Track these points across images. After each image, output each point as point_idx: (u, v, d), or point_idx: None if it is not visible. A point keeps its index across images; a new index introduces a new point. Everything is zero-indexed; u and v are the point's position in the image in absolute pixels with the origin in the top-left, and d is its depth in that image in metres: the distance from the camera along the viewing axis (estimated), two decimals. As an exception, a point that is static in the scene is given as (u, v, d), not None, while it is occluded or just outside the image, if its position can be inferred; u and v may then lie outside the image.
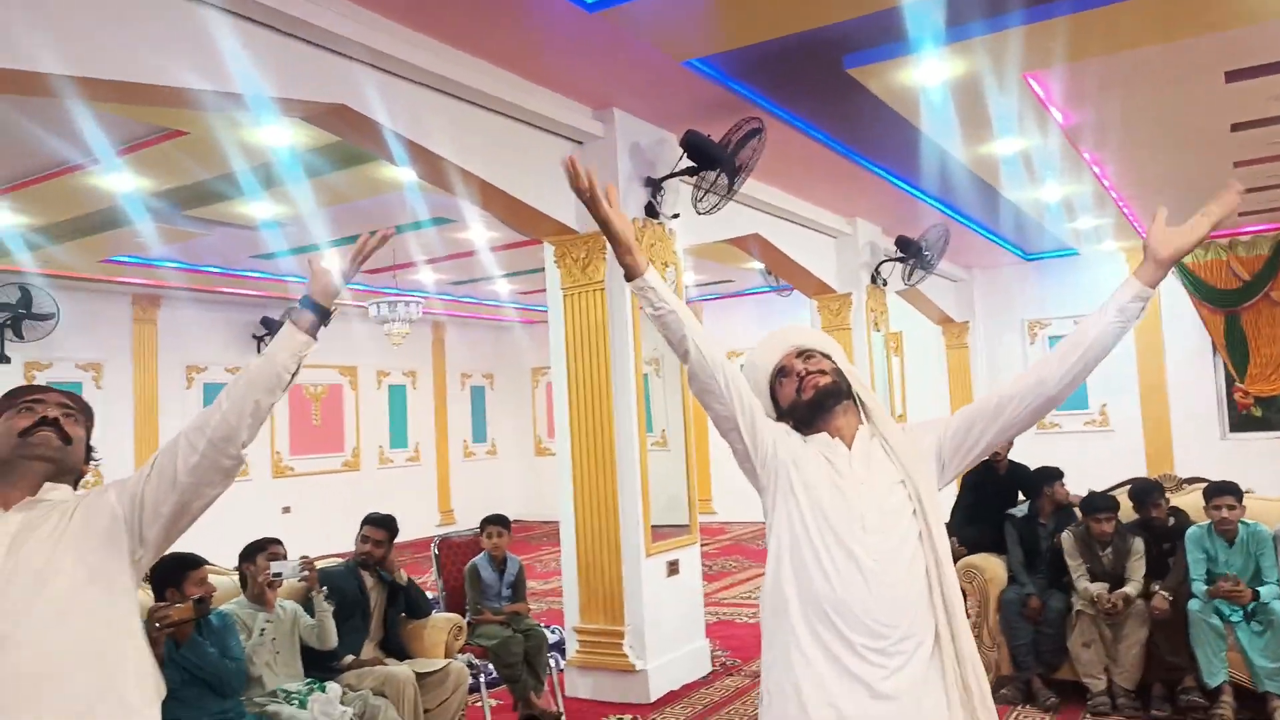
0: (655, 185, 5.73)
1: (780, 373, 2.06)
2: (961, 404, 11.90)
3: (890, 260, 9.02)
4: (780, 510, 1.96)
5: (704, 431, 14.04)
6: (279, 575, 3.75)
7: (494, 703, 5.02)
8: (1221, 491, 4.64)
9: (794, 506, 1.94)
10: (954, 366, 12.15)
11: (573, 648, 5.49)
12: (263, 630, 3.74)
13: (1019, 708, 4.87)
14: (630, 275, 2.03)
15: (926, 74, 5.30)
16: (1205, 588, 4.57)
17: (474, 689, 4.65)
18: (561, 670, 5.51)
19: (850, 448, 1.98)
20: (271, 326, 11.40)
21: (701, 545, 11.17)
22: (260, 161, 6.21)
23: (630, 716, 5.01)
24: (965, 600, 5.20)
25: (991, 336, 12.08)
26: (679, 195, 5.96)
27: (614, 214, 2.05)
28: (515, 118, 5.14)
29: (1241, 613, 4.50)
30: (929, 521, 1.91)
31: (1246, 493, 4.92)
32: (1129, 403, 11.36)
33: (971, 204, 8.76)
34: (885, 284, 9.22)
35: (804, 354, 2.05)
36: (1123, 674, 4.69)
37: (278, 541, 3.89)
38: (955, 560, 5.33)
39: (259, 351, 11.55)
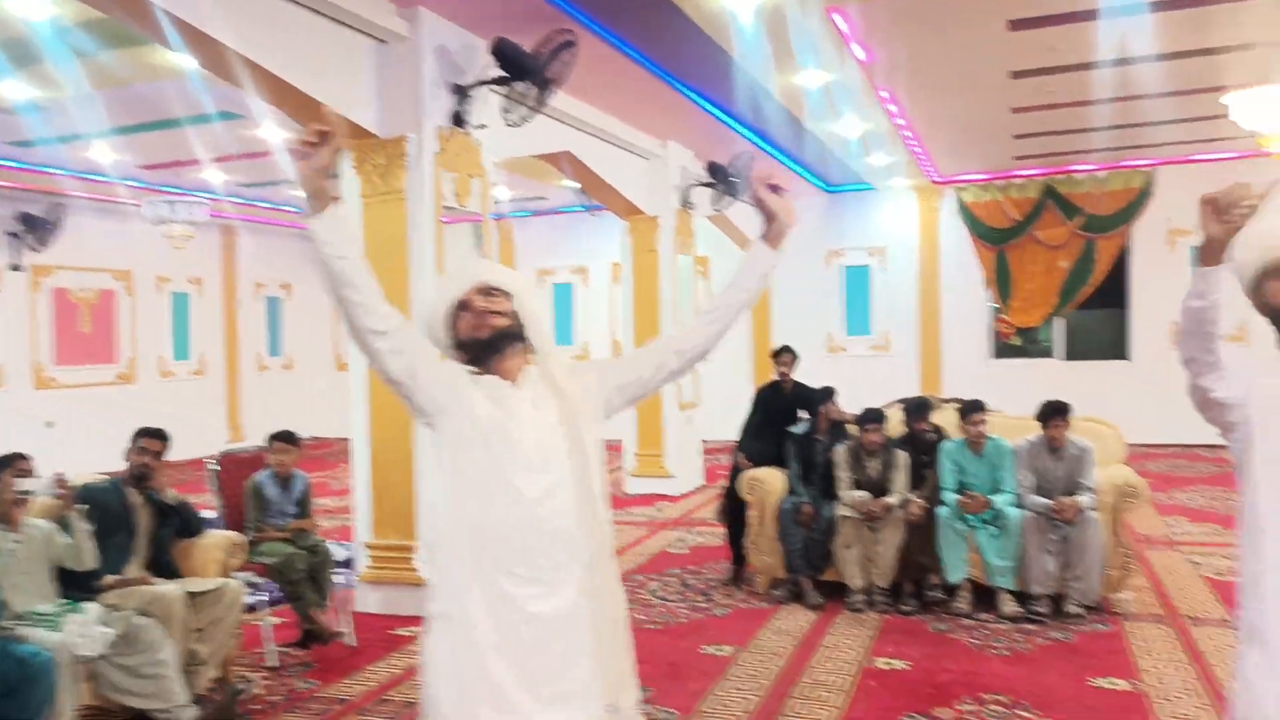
0: (462, 93, 5.52)
1: (461, 306, 2.07)
2: (764, 327, 12.47)
3: (700, 185, 9.18)
4: (448, 447, 2.01)
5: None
6: (27, 493, 3.45)
7: (276, 621, 4.89)
8: (974, 409, 5.11)
9: (460, 443, 1.99)
10: (756, 292, 12.60)
11: (364, 563, 5.41)
12: (13, 550, 3.45)
13: (789, 605, 5.26)
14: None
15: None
16: (956, 496, 5.07)
17: (254, 608, 4.51)
18: (351, 587, 5.43)
19: (517, 387, 2.03)
20: (33, 224, 10.21)
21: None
22: (12, 35, 5.48)
23: (420, 628, 5.01)
24: (747, 509, 5.54)
25: (791, 263, 12.58)
26: (488, 105, 5.77)
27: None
28: (310, 8, 4.77)
29: (983, 518, 5.03)
30: (588, 458, 2.01)
31: (996, 412, 5.46)
32: (908, 330, 12.26)
33: (779, 134, 9.01)
34: (694, 208, 9.40)
35: (488, 291, 2.06)
36: (879, 574, 5.15)
37: (24, 457, 3.57)
38: (739, 474, 5.68)
39: (17, 254, 10.47)
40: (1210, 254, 1.94)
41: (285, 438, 4.92)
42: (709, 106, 7.90)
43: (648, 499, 8.77)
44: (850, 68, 6.73)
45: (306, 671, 4.49)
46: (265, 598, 4.55)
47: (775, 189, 2.16)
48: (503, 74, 5.30)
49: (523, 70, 5.23)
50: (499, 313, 2.03)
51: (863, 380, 10.99)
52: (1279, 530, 1.88)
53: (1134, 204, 11.08)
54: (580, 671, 1.94)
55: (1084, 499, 4.85)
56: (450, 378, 2.03)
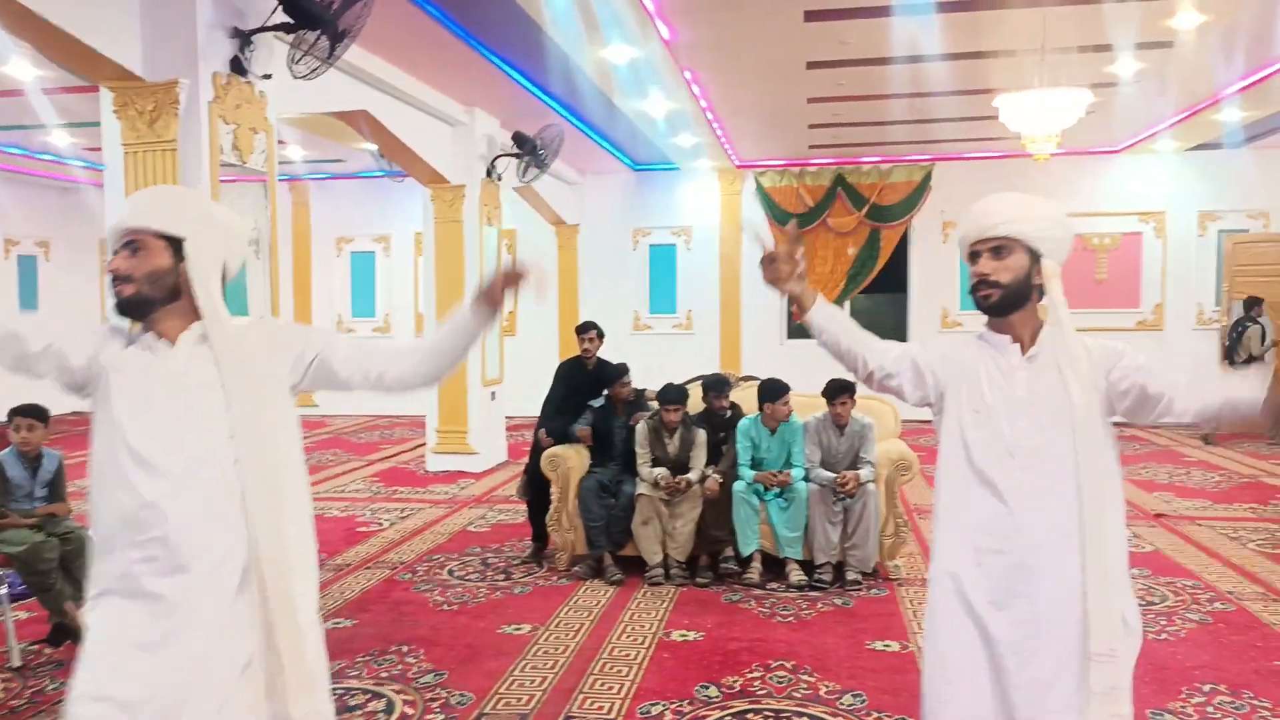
0: (244, 38, 5.08)
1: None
2: (571, 304, 12.42)
3: (506, 155, 8.99)
4: (95, 423, 1.87)
5: (306, 319, 13.32)
6: None
7: (21, 615, 4.38)
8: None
9: (104, 418, 1.85)
10: (564, 267, 12.58)
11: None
12: None
13: (590, 582, 5.27)
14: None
15: (542, -37, 5.23)
16: (751, 471, 5.23)
17: (-7, 603, 4.01)
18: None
19: (174, 348, 1.88)
20: None
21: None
22: None
23: (195, 620, 4.64)
24: (549, 487, 5.49)
25: (599, 240, 12.65)
26: (273, 54, 5.35)
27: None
28: (60, -72, 4.22)
29: (775, 492, 5.23)
30: (246, 435, 1.82)
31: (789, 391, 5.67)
32: (710, 309, 12.61)
33: (587, 108, 8.96)
34: (500, 179, 9.20)
35: (131, 242, 1.89)
36: (676, 548, 5.25)
37: None
38: (540, 451, 5.62)
39: None
40: (795, 304, 2.20)
41: (30, 412, 4.39)
42: (516, 75, 7.72)
43: (450, 476, 8.56)
44: (655, 45, 6.76)
45: (57, 670, 4.04)
46: (4, 591, 4.06)
47: (513, 279, 2.07)
48: (289, 20, 4.92)
49: (312, 18, 4.87)
50: (126, 278, 1.84)
51: (667, 358, 11.22)
52: (958, 476, 2.08)
53: (914, 195, 11.88)
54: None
55: (864, 472, 5.13)
56: (94, 350, 1.86)
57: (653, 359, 11.75)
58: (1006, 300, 2.04)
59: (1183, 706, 3.57)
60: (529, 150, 8.79)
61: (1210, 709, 3.56)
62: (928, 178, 11.83)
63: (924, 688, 2.11)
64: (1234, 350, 10.14)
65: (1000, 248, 2.03)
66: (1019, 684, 1.98)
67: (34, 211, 12.66)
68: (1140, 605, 4.67)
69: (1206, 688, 3.74)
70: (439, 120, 8.43)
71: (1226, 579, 5.21)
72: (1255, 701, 3.62)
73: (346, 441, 10.85)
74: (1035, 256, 2.04)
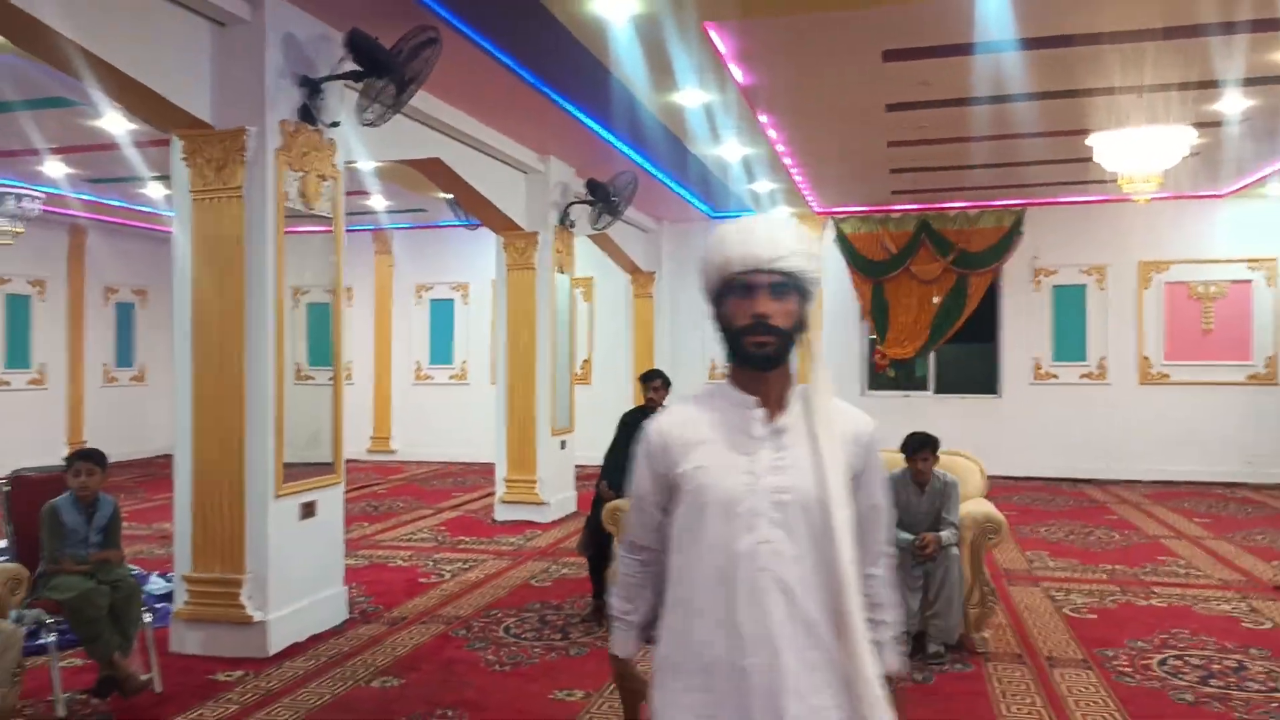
0: (313, 86, 5.11)
1: None
2: (646, 351, 12.27)
3: (579, 202, 8.93)
4: None
5: (385, 367, 13.48)
6: None
7: (70, 664, 4.33)
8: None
9: None
10: (640, 316, 12.45)
11: (182, 599, 4.87)
12: None
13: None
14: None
15: (611, 6, 5.14)
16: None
17: (42, 649, 3.96)
18: (165, 625, 4.89)
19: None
20: None
21: (373, 485, 10.77)
22: None
23: (243, 672, 4.54)
24: (611, 541, 5.24)
25: (676, 289, 12.49)
26: (343, 102, 5.38)
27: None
28: (136, -18, 4.31)
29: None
30: None
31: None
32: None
33: (661, 155, 8.86)
34: (574, 226, 9.14)
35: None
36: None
37: None
38: (602, 504, 5.39)
39: None
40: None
41: (88, 456, 4.37)
42: (589, 121, 7.67)
43: (517, 527, 8.40)
44: (730, 89, 6.61)
45: (100, 723, 3.96)
46: (53, 639, 4.01)
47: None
48: (357, 68, 4.92)
49: (379, 66, 4.86)
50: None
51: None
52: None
53: (1004, 242, 11.39)
54: None
55: (946, 534, 4.75)
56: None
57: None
58: (782, 352, 1.65)
59: (1320, 819, 3.10)
60: (602, 197, 8.71)
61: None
62: (1018, 223, 11.34)
63: None
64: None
65: (782, 285, 1.64)
66: None
67: (130, 260, 13.17)
68: (1261, 691, 4.21)
69: (1348, 797, 3.25)
70: (513, 168, 8.44)
71: (1364, 665, 4.63)
72: None
73: (419, 488, 10.82)
74: (805, 300, 1.68)
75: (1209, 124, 7.44)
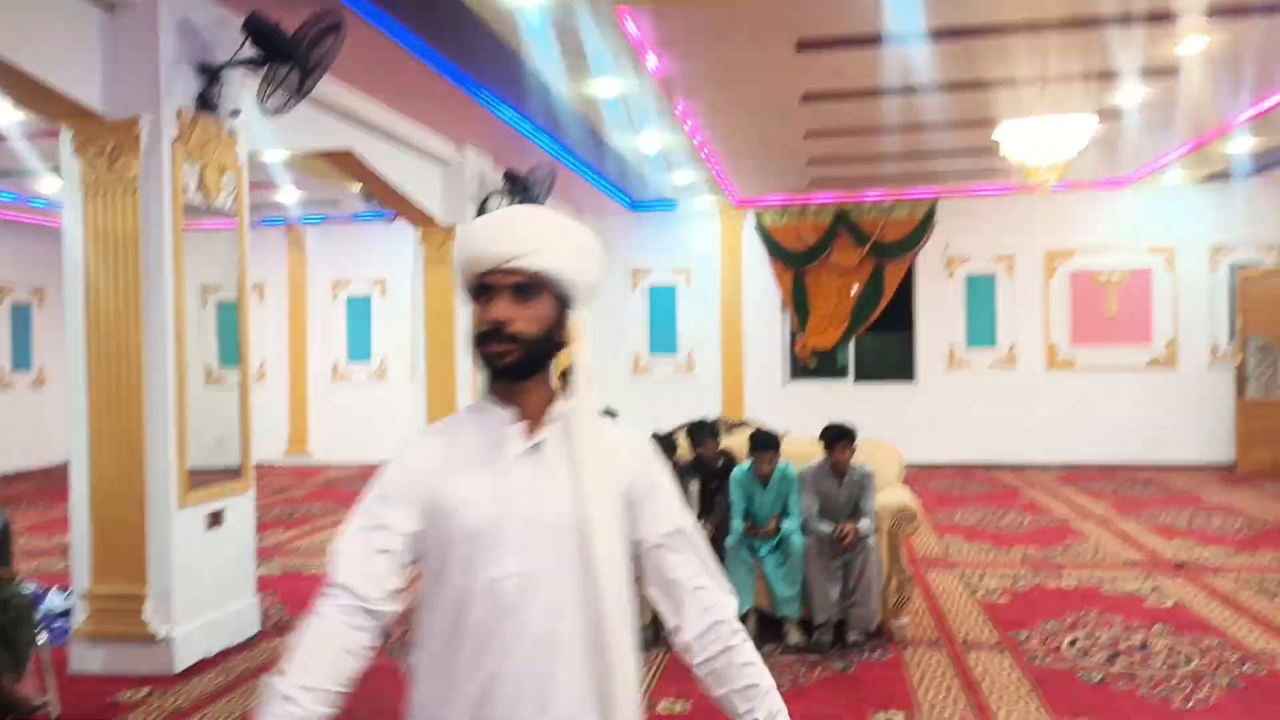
0: (212, 73, 4.89)
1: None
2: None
3: (497, 194, 8.79)
4: None
5: (301, 366, 13.09)
6: None
7: (-43, 690, 4.06)
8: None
9: None
10: (561, 308, 12.33)
11: (82, 616, 4.63)
12: None
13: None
14: None
15: (521, -6, 5.04)
16: (743, 523, 4.92)
17: (-80, 677, 3.70)
18: (64, 644, 4.65)
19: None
20: None
21: (290, 489, 10.44)
22: None
23: (148, 691, 4.33)
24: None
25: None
26: (246, 91, 5.16)
27: None
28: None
29: (768, 546, 4.91)
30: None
31: (784, 435, 5.38)
32: (711, 351, 12.32)
33: (579, 145, 8.77)
34: (492, 219, 8.98)
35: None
36: (667, 608, 4.90)
37: None
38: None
39: None
40: None
41: (-30, 469, 4.11)
42: (505, 111, 7.54)
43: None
44: (646, 78, 6.56)
45: (-12, 751, 3.73)
46: (-67, 665, 3.77)
47: None
48: (257, 54, 4.72)
49: (280, 52, 4.66)
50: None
51: (668, 401, 10.95)
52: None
53: (917, 231, 11.62)
54: None
55: (864, 524, 4.80)
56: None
57: (652, 402, 11.52)
58: (528, 362, 1.46)
59: (1219, 789, 3.22)
60: (520, 189, 8.59)
61: (1250, 792, 3.20)
62: (931, 213, 11.59)
63: None
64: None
65: (527, 286, 1.45)
66: None
67: (25, 257, 12.52)
68: (1164, 668, 4.36)
69: (1244, 766, 3.38)
70: (428, 159, 8.25)
71: (1256, 637, 4.84)
72: (1300, 782, 3.26)
73: (339, 492, 10.54)
74: (565, 304, 1.49)
75: (1109, 114, 7.69)
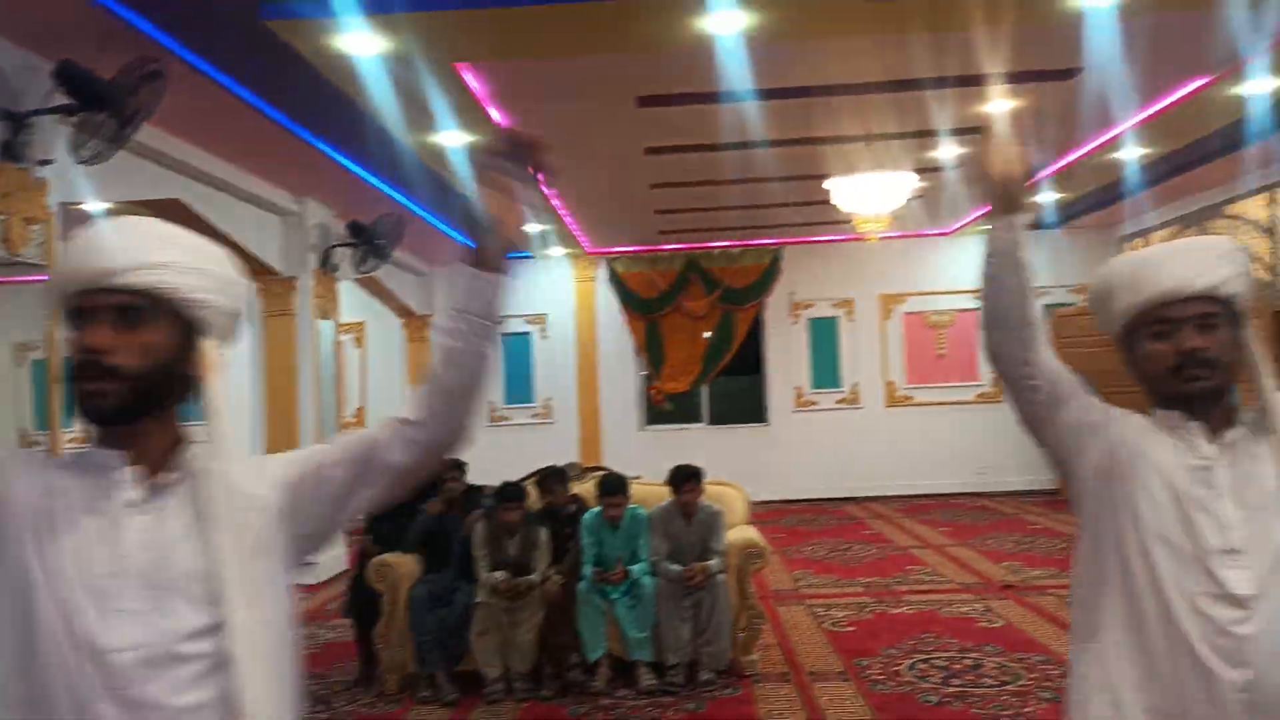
0: (18, 121, 4.60)
1: None
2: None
3: (341, 245, 8.59)
4: None
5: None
6: None
7: None
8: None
9: None
10: (414, 360, 12.12)
11: None
12: None
13: (420, 706, 4.77)
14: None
15: (357, 44, 4.99)
16: (593, 569, 4.91)
17: None
18: None
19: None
20: None
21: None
22: None
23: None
24: (380, 599, 4.99)
25: (450, 331, 12.24)
26: (58, 138, 4.87)
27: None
28: None
29: (620, 590, 4.92)
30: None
31: (636, 479, 5.44)
32: (568, 398, 12.34)
33: (427, 196, 8.71)
34: (337, 270, 8.77)
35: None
36: (518, 658, 4.83)
37: None
38: (366, 560, 5.15)
39: None
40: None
41: None
42: (348, 163, 7.40)
43: (281, 590, 7.83)
44: (488, 130, 6.59)
45: None
46: None
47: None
48: (70, 101, 4.48)
49: (96, 99, 4.45)
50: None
51: (528, 450, 10.83)
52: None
53: (764, 278, 12.07)
54: None
55: (713, 563, 4.89)
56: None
57: (511, 452, 11.38)
58: (137, 403, 1.22)
59: (1041, 798, 3.41)
60: (366, 240, 8.43)
61: (1068, 798, 3.40)
62: (776, 260, 12.07)
63: None
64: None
65: (133, 309, 1.21)
66: None
67: None
68: (994, 686, 4.61)
69: (1063, 774, 3.59)
70: (265, 209, 8.00)
71: (1076, 650, 5.18)
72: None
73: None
74: (191, 331, 1.26)
75: (929, 170, 8.25)
